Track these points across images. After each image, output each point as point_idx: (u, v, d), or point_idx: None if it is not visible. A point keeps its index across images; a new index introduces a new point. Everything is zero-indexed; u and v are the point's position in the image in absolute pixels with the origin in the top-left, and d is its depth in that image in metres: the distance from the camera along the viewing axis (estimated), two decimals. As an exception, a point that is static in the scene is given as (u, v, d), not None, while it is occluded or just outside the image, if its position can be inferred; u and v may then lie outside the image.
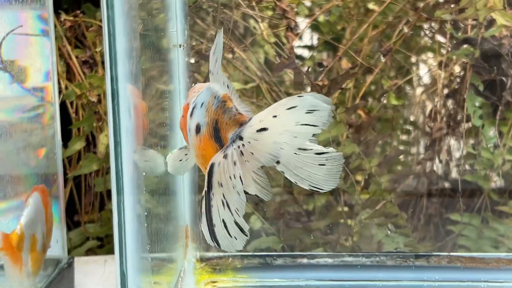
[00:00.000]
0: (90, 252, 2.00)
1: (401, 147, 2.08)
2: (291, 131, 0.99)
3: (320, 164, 1.02)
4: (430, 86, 2.07)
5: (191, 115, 1.09)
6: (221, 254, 1.64)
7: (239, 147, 1.01)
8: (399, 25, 1.93)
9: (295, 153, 1.02)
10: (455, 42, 1.87)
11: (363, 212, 1.85)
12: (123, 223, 1.03)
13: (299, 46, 2.00)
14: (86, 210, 2.05)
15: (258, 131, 1.00)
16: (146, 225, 1.21)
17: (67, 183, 2.02)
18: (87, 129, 1.93)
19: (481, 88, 1.80)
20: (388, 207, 1.82)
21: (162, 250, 1.44)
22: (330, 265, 1.63)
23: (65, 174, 1.97)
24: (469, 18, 1.84)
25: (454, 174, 2.10)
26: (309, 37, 2.03)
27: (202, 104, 1.07)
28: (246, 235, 1.03)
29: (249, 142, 1.01)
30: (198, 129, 1.08)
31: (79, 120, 1.97)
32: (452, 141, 2.07)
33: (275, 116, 0.99)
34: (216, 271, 1.63)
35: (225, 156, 1.01)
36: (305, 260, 1.64)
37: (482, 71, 1.79)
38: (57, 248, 1.59)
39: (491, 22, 1.86)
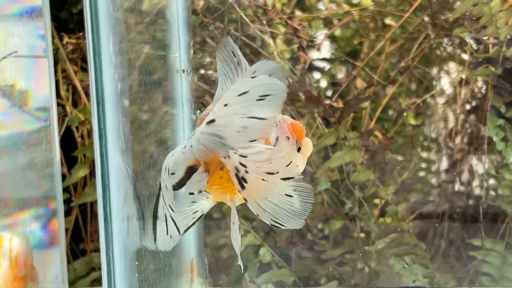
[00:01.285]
0: (95, 282, 1.94)
1: (421, 173, 2.00)
2: (237, 125, 0.88)
3: (286, 195, 0.90)
4: (451, 106, 1.99)
5: None
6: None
7: (190, 138, 0.92)
8: (417, 41, 1.86)
9: (262, 179, 0.89)
10: (475, 61, 1.78)
11: (380, 241, 1.76)
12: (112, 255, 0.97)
13: (316, 59, 1.93)
14: (92, 238, 1.99)
15: (207, 123, 0.88)
16: (137, 263, 1.15)
17: (72, 210, 1.96)
18: (91, 156, 1.86)
19: (502, 109, 1.71)
20: (406, 237, 1.72)
21: (164, 286, 1.37)
22: None
23: (70, 201, 1.92)
24: (489, 37, 1.75)
25: (476, 198, 2.01)
26: (326, 52, 1.97)
27: None
28: (180, 234, 0.95)
29: (201, 133, 0.90)
30: None
31: (85, 146, 1.92)
32: (474, 163, 1.98)
33: (226, 105, 0.88)
34: (223, 306, 1.55)
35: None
36: (316, 295, 1.55)
37: (503, 92, 1.70)
38: (57, 283, 1.53)
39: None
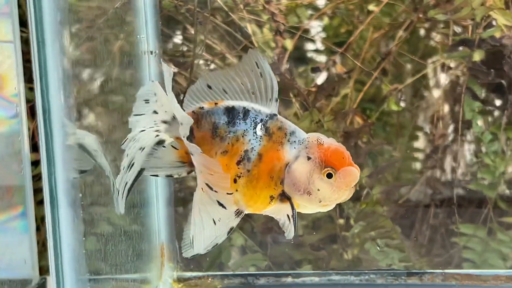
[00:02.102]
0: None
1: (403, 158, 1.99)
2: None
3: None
4: (433, 91, 1.97)
5: None
6: (200, 274, 1.55)
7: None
8: (400, 28, 1.84)
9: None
10: (452, 44, 1.76)
11: (357, 225, 1.75)
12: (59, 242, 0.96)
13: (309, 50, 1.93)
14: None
15: None
16: (105, 247, 1.13)
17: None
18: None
19: (478, 92, 1.69)
20: (381, 221, 1.71)
21: (132, 271, 1.36)
22: (316, 284, 1.53)
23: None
24: (465, 18, 1.73)
25: (456, 183, 1.99)
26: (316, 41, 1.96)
27: None
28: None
29: None
30: None
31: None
32: (456, 149, 1.97)
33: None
34: (195, 292, 1.54)
35: None
36: (289, 279, 1.54)
37: (479, 74, 1.68)
38: (25, 268, 1.52)
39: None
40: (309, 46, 1.98)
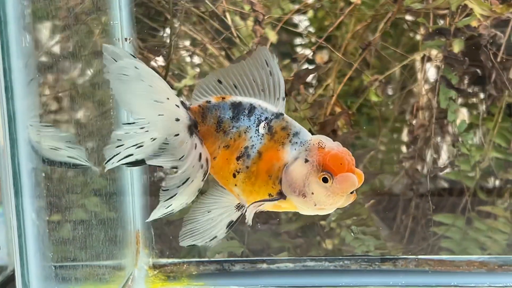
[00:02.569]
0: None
1: (382, 147, 2.01)
2: None
3: None
4: (414, 82, 1.98)
5: None
6: (176, 260, 1.56)
7: None
8: (382, 20, 1.85)
9: None
10: (428, 33, 1.77)
11: (333, 213, 1.76)
12: (23, 230, 0.96)
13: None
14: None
15: None
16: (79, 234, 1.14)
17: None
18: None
19: (454, 80, 1.70)
20: (357, 209, 1.72)
21: (107, 258, 1.37)
22: (291, 270, 1.54)
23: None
24: (441, 7, 1.74)
25: (435, 172, 2.01)
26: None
27: None
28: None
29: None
30: None
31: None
32: (435, 139, 1.99)
33: None
34: (170, 278, 1.56)
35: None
36: (264, 266, 1.55)
37: (454, 63, 1.69)
38: (1, 254, 1.53)
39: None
40: (296, 39, 2.01)
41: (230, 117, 1.03)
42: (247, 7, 1.88)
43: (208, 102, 1.04)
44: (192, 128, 1.02)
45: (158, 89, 0.99)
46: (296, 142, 0.99)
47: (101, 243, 1.36)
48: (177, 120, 1.01)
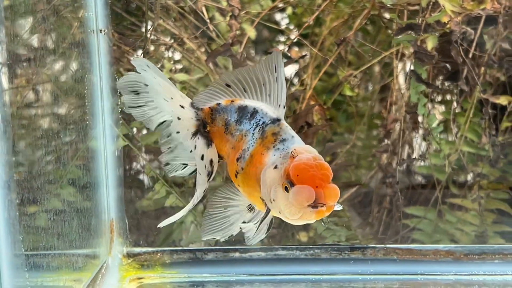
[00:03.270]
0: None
1: (359, 142, 2.04)
2: None
3: None
4: (387, 77, 2.02)
5: None
6: (150, 249, 1.60)
7: None
8: (359, 16, 1.89)
9: None
10: (399, 28, 1.81)
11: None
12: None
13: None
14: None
15: None
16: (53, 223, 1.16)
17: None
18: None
19: (424, 75, 1.75)
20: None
21: (81, 246, 1.40)
22: (262, 259, 1.58)
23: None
24: (412, 3, 1.79)
25: (408, 166, 2.05)
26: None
27: None
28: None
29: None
30: None
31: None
32: (407, 133, 2.03)
33: None
34: (143, 267, 1.58)
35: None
36: (237, 254, 1.58)
37: (424, 57, 1.73)
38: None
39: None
40: (276, 36, 2.06)
41: (235, 120, 1.06)
42: (224, 3, 1.91)
43: (218, 104, 1.09)
44: (199, 128, 1.09)
45: (165, 89, 1.08)
46: (279, 148, 1.00)
47: (75, 232, 1.38)
48: (179, 119, 1.09)
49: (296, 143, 1.00)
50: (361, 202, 2.02)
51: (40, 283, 1.17)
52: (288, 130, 1.02)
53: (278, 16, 2.01)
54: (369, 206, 2.00)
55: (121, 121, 1.58)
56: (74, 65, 1.41)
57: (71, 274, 1.36)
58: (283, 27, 1.99)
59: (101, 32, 1.49)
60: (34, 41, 1.23)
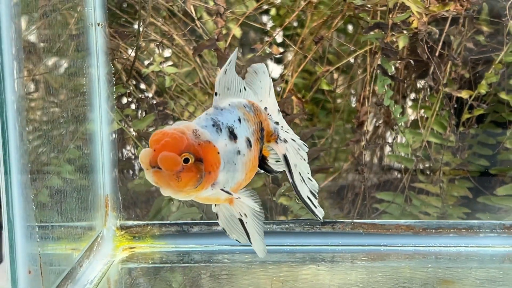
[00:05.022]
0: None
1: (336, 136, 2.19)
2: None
3: None
4: (361, 73, 2.18)
5: (233, 138, 1.11)
6: (141, 223, 1.73)
7: (282, 128, 1.24)
8: (337, 17, 2.05)
9: None
10: (368, 27, 1.98)
11: (283, 186, 1.95)
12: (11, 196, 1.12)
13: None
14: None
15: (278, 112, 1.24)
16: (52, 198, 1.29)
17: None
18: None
19: (390, 70, 1.92)
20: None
21: (79, 219, 1.53)
22: None
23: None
24: (379, 4, 1.95)
25: (377, 155, 2.22)
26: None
27: (237, 120, 1.13)
28: (317, 198, 1.25)
29: (278, 123, 1.25)
30: (249, 142, 1.14)
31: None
32: (378, 124, 2.19)
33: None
34: (135, 238, 1.72)
35: (284, 141, 1.22)
36: (219, 228, 1.72)
37: (390, 53, 1.91)
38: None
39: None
40: (260, 36, 2.21)
41: None
42: (211, 3, 2.07)
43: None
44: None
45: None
46: None
47: (74, 206, 1.50)
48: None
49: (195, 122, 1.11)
50: (334, 187, 2.18)
51: (43, 252, 1.27)
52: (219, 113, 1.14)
53: (264, 18, 2.16)
54: (342, 191, 2.16)
55: (115, 107, 1.74)
56: (75, 55, 1.56)
57: (70, 243, 1.49)
58: (267, 27, 2.14)
59: (98, 25, 1.64)
60: (38, 34, 1.34)
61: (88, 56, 1.63)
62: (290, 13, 2.09)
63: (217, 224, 1.75)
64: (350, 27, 2.16)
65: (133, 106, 1.93)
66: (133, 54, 1.84)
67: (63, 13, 1.46)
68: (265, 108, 1.25)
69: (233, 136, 1.12)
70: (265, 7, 2.06)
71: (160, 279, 1.52)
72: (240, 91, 1.18)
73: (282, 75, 2.09)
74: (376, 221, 1.74)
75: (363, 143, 2.04)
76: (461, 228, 1.72)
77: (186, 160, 1.04)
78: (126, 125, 1.80)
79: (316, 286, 1.46)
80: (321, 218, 1.25)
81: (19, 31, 1.17)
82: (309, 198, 1.23)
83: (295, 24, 2.13)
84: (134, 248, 1.69)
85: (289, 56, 2.14)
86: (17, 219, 1.16)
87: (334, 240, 1.71)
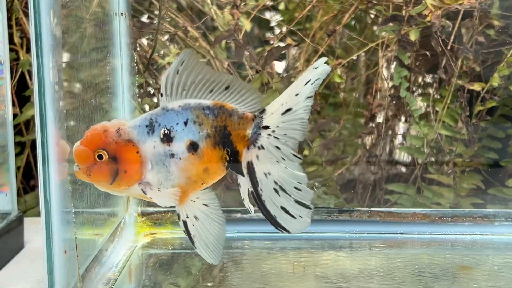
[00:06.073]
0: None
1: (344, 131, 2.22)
2: (302, 106, 1.15)
3: None
4: (373, 66, 2.20)
5: (166, 141, 1.13)
6: (161, 209, 1.76)
7: (270, 134, 1.15)
8: (348, 11, 2.08)
9: None
10: (384, 19, 2.00)
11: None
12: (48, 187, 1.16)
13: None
14: (41, 176, 2.16)
15: (282, 114, 1.14)
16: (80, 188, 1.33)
17: (25, 148, 2.13)
18: (41, 97, 2.03)
19: (406, 61, 1.94)
20: (319, 171, 1.95)
21: (103, 206, 1.56)
22: (261, 219, 1.73)
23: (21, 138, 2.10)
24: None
25: (390, 146, 2.24)
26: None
27: (182, 123, 1.13)
28: (310, 208, 1.18)
29: (277, 127, 1.15)
30: (194, 147, 1.14)
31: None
32: (391, 117, 2.21)
33: (297, 95, 1.14)
34: (156, 224, 1.75)
35: (261, 147, 1.15)
36: (239, 215, 1.76)
37: (407, 45, 1.93)
38: (6, 201, 1.70)
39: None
40: (270, 29, 2.23)
41: None
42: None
43: None
44: None
45: None
46: None
47: (98, 193, 1.51)
48: None
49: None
50: (347, 179, 2.21)
51: (71, 237, 1.29)
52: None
53: (267, 14, 2.19)
54: (354, 183, 2.19)
55: (137, 95, 1.76)
56: (101, 44, 1.58)
57: (95, 229, 1.52)
58: (275, 22, 2.17)
59: (122, 15, 1.67)
60: (69, 25, 1.36)
61: (111, 45, 1.65)
62: (299, 8, 2.12)
63: (236, 211, 1.80)
64: (361, 21, 2.18)
65: (149, 96, 1.96)
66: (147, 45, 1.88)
67: (88, 1, 1.48)
68: (263, 110, 1.18)
69: (166, 138, 1.13)
70: (270, 3, 2.09)
71: (181, 265, 1.55)
72: (212, 91, 1.15)
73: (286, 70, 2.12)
74: (392, 209, 1.77)
75: (376, 134, 2.07)
76: (477, 216, 1.75)
77: (100, 157, 1.11)
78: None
79: (337, 271, 1.49)
80: (289, 231, 1.20)
81: (55, 23, 1.19)
82: (283, 208, 1.17)
83: (303, 17, 2.15)
84: (155, 234, 1.72)
85: (293, 51, 2.17)
86: (54, 203, 1.19)
87: (351, 227, 1.74)
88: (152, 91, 1.98)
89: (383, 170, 2.04)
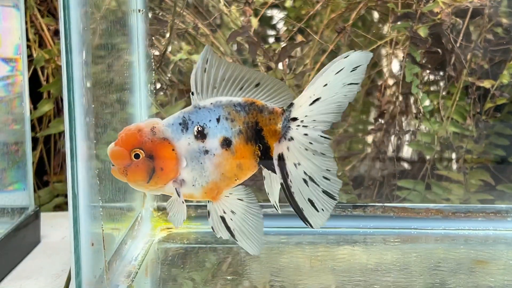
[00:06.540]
0: (58, 208, 2.13)
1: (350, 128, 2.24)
2: (340, 93, 1.15)
3: None
4: (383, 63, 2.22)
5: (200, 138, 1.15)
6: (177, 204, 1.77)
7: (298, 125, 1.16)
8: (355, 9, 2.09)
9: None
10: (396, 16, 2.02)
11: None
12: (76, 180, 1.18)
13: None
14: (54, 171, 2.18)
15: (310, 104, 1.15)
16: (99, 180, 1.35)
17: (38, 144, 2.14)
18: (55, 93, 2.05)
19: (418, 58, 1.96)
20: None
21: (121, 201, 1.57)
22: (277, 214, 1.75)
23: (36, 136, 2.11)
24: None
25: (400, 143, 2.26)
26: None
27: (215, 120, 1.14)
28: (336, 199, 1.19)
29: (306, 116, 1.16)
30: (227, 143, 1.15)
31: (50, 83, 2.10)
32: (400, 113, 2.23)
33: (325, 85, 1.14)
34: (171, 219, 1.76)
35: (290, 139, 1.16)
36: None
37: (419, 42, 1.95)
38: (23, 196, 1.72)
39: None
40: (275, 27, 2.25)
41: None
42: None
43: None
44: None
45: None
46: None
47: (116, 188, 1.54)
48: None
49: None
50: (357, 175, 2.22)
51: (93, 231, 1.31)
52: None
53: (274, 11, 2.20)
54: (363, 179, 2.21)
55: (154, 91, 1.78)
56: (121, 40, 1.59)
57: (114, 223, 1.53)
58: (281, 19, 2.19)
59: (139, 11, 1.68)
60: (93, 23, 1.37)
61: (130, 41, 1.67)
62: (306, 5, 2.14)
63: (263, 207, 1.80)
64: (369, 18, 2.20)
65: (163, 92, 1.97)
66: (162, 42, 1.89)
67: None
68: (291, 104, 1.18)
69: (200, 135, 1.15)
70: (276, 1, 2.10)
71: (198, 259, 1.56)
72: (241, 88, 1.17)
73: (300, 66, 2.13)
74: (406, 204, 1.79)
75: (385, 131, 2.08)
76: (489, 212, 1.76)
77: (136, 156, 1.12)
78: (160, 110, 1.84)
79: (354, 265, 1.51)
80: (312, 226, 1.21)
81: (84, 23, 1.21)
82: (310, 200, 1.19)
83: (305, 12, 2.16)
84: (171, 228, 1.74)
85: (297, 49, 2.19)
86: (81, 197, 1.22)
87: (365, 223, 1.76)
88: (165, 87, 2.00)
89: (396, 166, 2.05)
